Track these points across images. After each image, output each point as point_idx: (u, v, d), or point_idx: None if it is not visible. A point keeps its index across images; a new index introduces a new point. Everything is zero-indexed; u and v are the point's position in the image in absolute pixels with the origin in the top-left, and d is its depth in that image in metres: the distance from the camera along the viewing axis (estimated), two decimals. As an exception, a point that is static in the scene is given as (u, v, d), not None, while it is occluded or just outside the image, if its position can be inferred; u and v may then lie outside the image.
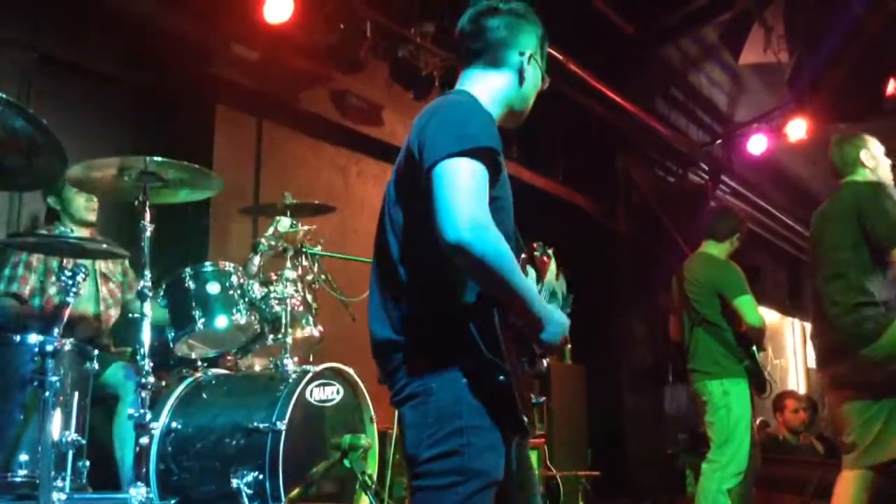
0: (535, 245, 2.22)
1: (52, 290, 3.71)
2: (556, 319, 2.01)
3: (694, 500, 4.47)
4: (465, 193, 1.83)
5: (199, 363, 3.83)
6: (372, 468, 3.68)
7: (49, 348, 2.94)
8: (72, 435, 3.01)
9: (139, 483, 3.02)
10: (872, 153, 3.99)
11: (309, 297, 4.04)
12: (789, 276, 12.31)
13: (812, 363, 13.22)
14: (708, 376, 4.49)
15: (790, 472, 6.06)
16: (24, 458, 2.98)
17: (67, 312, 3.16)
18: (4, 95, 2.53)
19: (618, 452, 7.70)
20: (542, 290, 2.11)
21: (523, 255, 2.11)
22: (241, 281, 3.82)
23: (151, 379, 3.13)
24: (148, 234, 3.28)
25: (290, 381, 3.44)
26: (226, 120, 5.36)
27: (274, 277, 3.90)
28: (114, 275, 4.07)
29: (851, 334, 3.69)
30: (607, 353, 7.91)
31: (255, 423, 3.28)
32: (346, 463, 3.42)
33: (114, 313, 4.02)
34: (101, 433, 3.54)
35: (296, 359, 3.70)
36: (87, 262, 3.73)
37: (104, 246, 3.33)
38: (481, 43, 2.18)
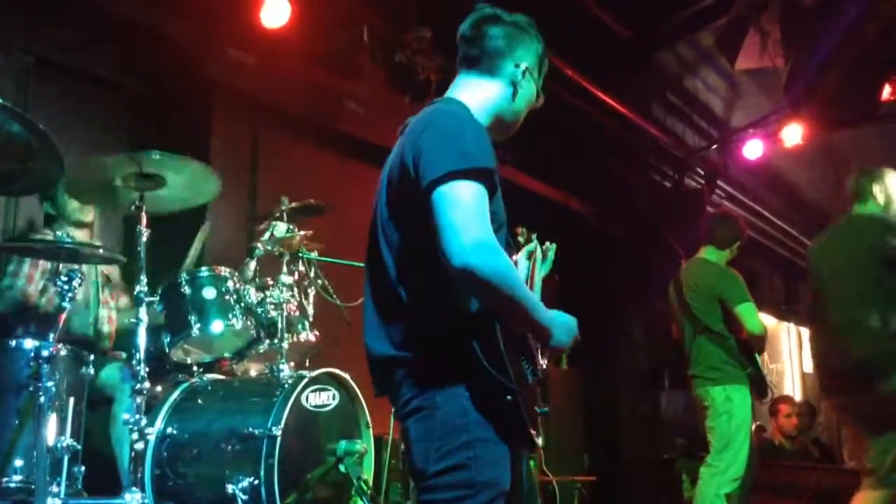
0: (518, 230, 2.23)
1: (53, 290, 3.70)
2: (562, 323, 2.02)
3: (690, 504, 4.48)
4: (468, 217, 1.82)
5: (195, 368, 3.82)
6: (368, 473, 3.68)
7: (45, 353, 2.94)
8: (67, 440, 3.01)
9: (135, 488, 3.02)
10: (886, 189, 3.97)
11: (305, 303, 4.04)
12: (785, 280, 12.32)
13: (807, 368, 13.27)
14: (710, 382, 4.49)
15: (786, 476, 6.07)
16: (19, 463, 2.98)
17: (63, 317, 3.15)
18: (1, 100, 2.52)
19: (614, 457, 7.70)
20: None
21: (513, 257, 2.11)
22: (238, 286, 3.82)
23: (147, 384, 3.13)
24: (144, 238, 3.28)
25: (286, 386, 3.43)
26: (222, 124, 5.35)
27: (270, 282, 3.90)
28: (111, 280, 4.07)
29: (868, 367, 3.67)
30: (603, 358, 7.90)
31: (251, 429, 3.28)
32: (342, 468, 3.42)
33: (113, 317, 4.02)
34: (98, 436, 3.54)
35: (292, 364, 3.70)
36: (86, 267, 3.73)
37: (101, 251, 3.33)
38: (478, 49, 2.18)
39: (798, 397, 10.65)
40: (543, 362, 2.10)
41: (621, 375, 8.23)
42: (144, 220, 3.31)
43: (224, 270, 3.84)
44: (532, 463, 2.01)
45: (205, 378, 3.72)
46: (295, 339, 3.89)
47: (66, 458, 2.99)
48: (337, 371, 3.68)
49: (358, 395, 3.71)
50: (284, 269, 3.95)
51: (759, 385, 4.51)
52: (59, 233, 3.82)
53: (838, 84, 6.76)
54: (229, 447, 3.33)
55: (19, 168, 2.79)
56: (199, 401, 3.58)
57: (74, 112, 4.77)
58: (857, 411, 3.83)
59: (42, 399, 2.85)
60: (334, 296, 4.26)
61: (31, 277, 3.74)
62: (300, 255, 4.08)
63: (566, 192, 8.03)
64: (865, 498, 3.75)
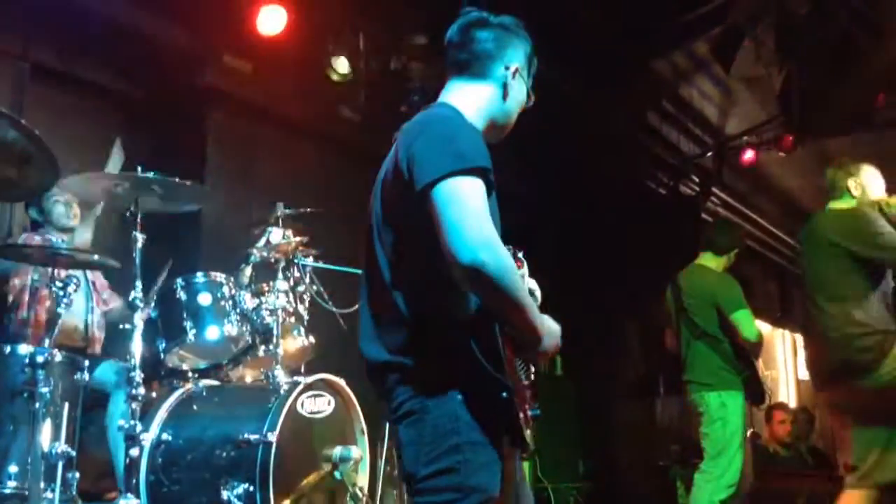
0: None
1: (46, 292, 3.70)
2: (551, 329, 2.02)
3: (685, 511, 4.48)
4: (472, 213, 1.82)
5: (190, 374, 3.83)
6: (363, 480, 3.68)
7: (39, 359, 2.94)
8: (62, 446, 3.01)
9: (129, 495, 3.01)
10: (861, 182, 3.99)
11: (300, 309, 4.04)
12: (779, 287, 12.35)
13: (802, 375, 13.29)
14: (706, 388, 4.50)
15: (780, 483, 6.08)
16: (13, 469, 2.97)
17: (59, 323, 3.15)
18: (-3, 106, 2.53)
19: (609, 464, 7.70)
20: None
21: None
22: (233, 292, 3.82)
23: (142, 390, 3.13)
24: (139, 244, 3.28)
25: (281, 392, 3.44)
26: (218, 130, 5.36)
27: (265, 288, 3.90)
28: (96, 284, 4.07)
29: (851, 362, 3.69)
30: (598, 365, 7.91)
31: (246, 435, 3.28)
32: (337, 475, 3.42)
33: (102, 322, 4.02)
34: (93, 442, 3.53)
35: (287, 370, 3.70)
36: (79, 273, 3.73)
37: (95, 257, 3.33)
38: (467, 54, 2.17)
39: (793, 404, 10.65)
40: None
41: (616, 382, 8.23)
42: (139, 226, 3.31)
43: (219, 276, 3.85)
44: (528, 466, 2.01)
45: (200, 384, 3.72)
46: (290, 345, 3.90)
47: (60, 464, 2.99)
48: (332, 377, 3.68)
49: (353, 402, 3.71)
50: (280, 275, 3.95)
51: (755, 390, 4.52)
52: (53, 238, 3.83)
53: (833, 92, 6.79)
54: (224, 453, 3.32)
55: (15, 174, 2.79)
56: (195, 407, 3.58)
57: (71, 118, 4.78)
58: (843, 406, 3.83)
59: (37, 405, 2.85)
60: (329, 302, 4.26)
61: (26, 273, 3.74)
62: (295, 261, 4.08)
63: (560, 199, 8.04)
64: (850, 498, 3.74)
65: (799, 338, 13.47)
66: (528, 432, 1.98)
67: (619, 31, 6.95)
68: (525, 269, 2.22)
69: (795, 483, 6.02)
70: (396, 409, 1.99)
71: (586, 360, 7.41)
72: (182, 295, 3.70)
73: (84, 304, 3.94)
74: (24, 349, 3.08)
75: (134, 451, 3.07)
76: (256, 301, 3.85)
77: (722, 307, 4.51)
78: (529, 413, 2.05)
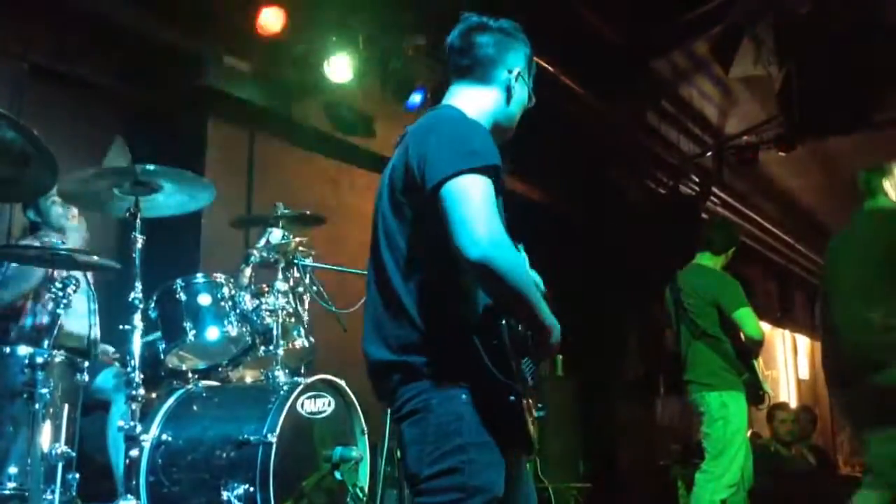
0: None
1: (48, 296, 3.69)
2: (555, 324, 2.03)
3: (686, 510, 4.48)
4: (481, 210, 1.83)
5: (190, 375, 3.82)
6: (363, 480, 3.67)
7: (39, 360, 2.94)
8: (61, 447, 3.01)
9: (129, 496, 3.00)
10: None
11: (300, 309, 4.03)
12: (779, 287, 12.36)
13: (802, 374, 13.30)
14: (707, 388, 4.49)
15: (782, 483, 6.07)
16: (13, 470, 2.97)
17: (58, 324, 3.15)
18: (-4, 107, 2.53)
19: (610, 464, 7.70)
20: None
21: None
22: (233, 292, 3.81)
23: (142, 391, 3.12)
24: (139, 245, 3.28)
25: (281, 393, 3.43)
26: (218, 131, 5.36)
27: (265, 289, 3.90)
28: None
29: (868, 359, 3.67)
30: (599, 365, 7.91)
31: (246, 436, 3.27)
32: (338, 475, 3.42)
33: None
34: (93, 443, 3.53)
35: (287, 370, 3.69)
36: (80, 276, 3.72)
37: (95, 258, 3.32)
38: (469, 59, 2.19)
39: (793, 403, 10.66)
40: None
41: (617, 382, 8.23)
42: (139, 227, 3.30)
43: (219, 277, 3.84)
44: (529, 466, 2.00)
45: (200, 385, 3.72)
46: (290, 345, 3.89)
47: (60, 465, 2.99)
48: (332, 378, 3.67)
49: (353, 402, 3.70)
50: (280, 275, 3.95)
51: (755, 392, 4.52)
52: (53, 240, 3.82)
53: (832, 92, 6.78)
54: (224, 454, 3.32)
55: (14, 175, 2.79)
56: (195, 407, 3.57)
57: (70, 119, 4.77)
58: (857, 405, 3.80)
59: (37, 406, 2.85)
60: (330, 302, 4.26)
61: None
62: (295, 261, 4.08)
63: (561, 199, 8.05)
64: (865, 498, 3.72)
65: (799, 338, 13.50)
66: (532, 433, 1.98)
67: (619, 32, 6.96)
68: (526, 262, 2.22)
69: (797, 483, 6.01)
70: (399, 409, 1.99)
71: (587, 360, 7.41)
72: (182, 295, 3.69)
73: (86, 308, 3.93)
74: (24, 350, 3.08)
75: (134, 452, 3.06)
76: (256, 302, 3.84)
77: (723, 306, 4.51)
78: (534, 414, 2.05)
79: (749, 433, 4.68)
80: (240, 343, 3.86)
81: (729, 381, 4.46)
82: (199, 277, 3.81)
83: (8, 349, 3.09)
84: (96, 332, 3.95)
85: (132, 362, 3.14)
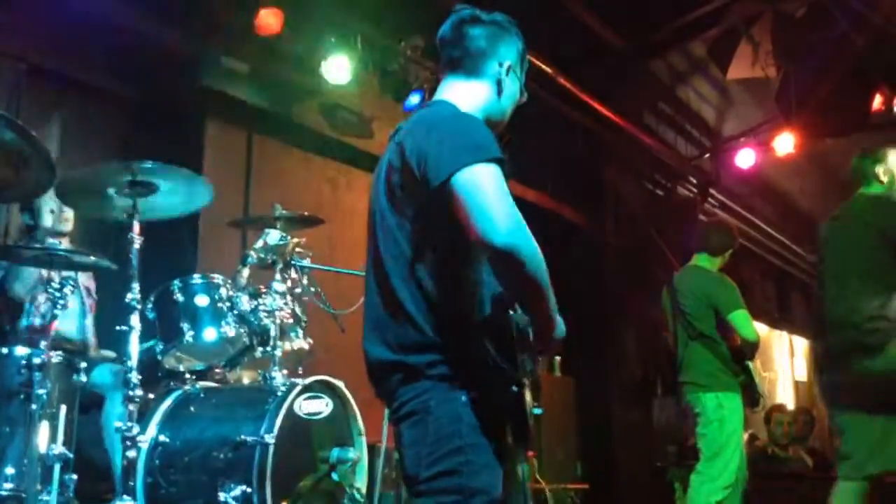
0: None
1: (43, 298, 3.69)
2: (560, 319, 2.03)
3: (682, 512, 4.48)
4: (499, 197, 1.83)
5: (188, 376, 3.81)
6: (361, 482, 3.67)
7: (36, 361, 2.93)
8: (58, 448, 3.00)
9: (126, 496, 3.00)
10: (890, 168, 3.95)
11: (298, 310, 4.03)
12: (777, 289, 12.36)
13: (799, 376, 13.29)
14: (702, 389, 4.49)
15: (778, 485, 6.08)
16: (9, 471, 2.97)
17: (55, 325, 3.14)
18: (-6, 107, 2.53)
19: (607, 465, 7.70)
20: None
21: None
22: (230, 293, 3.81)
23: (139, 391, 3.12)
24: (136, 246, 3.27)
25: (279, 394, 3.43)
26: (216, 132, 5.36)
27: (263, 290, 3.89)
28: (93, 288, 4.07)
29: (855, 343, 3.66)
30: (597, 366, 7.91)
31: (243, 437, 3.27)
32: (335, 476, 3.41)
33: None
34: (90, 444, 3.52)
35: (284, 371, 3.68)
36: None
37: (92, 258, 3.32)
38: (461, 51, 2.17)
39: (790, 405, 10.67)
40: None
41: (614, 383, 8.22)
42: (137, 228, 3.30)
43: (217, 278, 3.84)
44: (526, 468, 1.99)
45: (197, 386, 3.71)
46: (288, 346, 3.88)
47: (57, 466, 2.98)
48: (330, 379, 3.67)
49: (351, 403, 3.70)
50: (277, 276, 3.94)
51: (751, 394, 4.52)
52: (50, 241, 3.81)
53: (829, 94, 6.79)
54: (221, 455, 3.32)
55: (11, 175, 2.79)
56: (192, 408, 3.57)
57: (67, 119, 4.77)
58: (843, 388, 3.77)
59: (34, 406, 2.84)
60: (327, 303, 4.26)
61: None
62: (293, 262, 4.07)
63: (559, 201, 8.05)
64: (844, 493, 3.64)
65: (796, 339, 13.50)
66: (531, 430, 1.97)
67: (617, 33, 6.96)
68: None
69: (794, 485, 6.02)
70: (398, 409, 1.97)
71: (584, 361, 7.41)
72: (179, 296, 3.69)
73: (77, 309, 3.93)
74: (21, 351, 3.08)
75: (131, 453, 3.06)
76: (254, 302, 3.84)
77: (719, 308, 4.51)
78: (532, 411, 2.04)
79: (746, 435, 4.68)
80: (237, 344, 3.85)
81: (725, 383, 4.46)
82: (197, 278, 3.80)
83: (5, 350, 3.09)
84: (88, 331, 3.95)
85: (129, 363, 3.14)
